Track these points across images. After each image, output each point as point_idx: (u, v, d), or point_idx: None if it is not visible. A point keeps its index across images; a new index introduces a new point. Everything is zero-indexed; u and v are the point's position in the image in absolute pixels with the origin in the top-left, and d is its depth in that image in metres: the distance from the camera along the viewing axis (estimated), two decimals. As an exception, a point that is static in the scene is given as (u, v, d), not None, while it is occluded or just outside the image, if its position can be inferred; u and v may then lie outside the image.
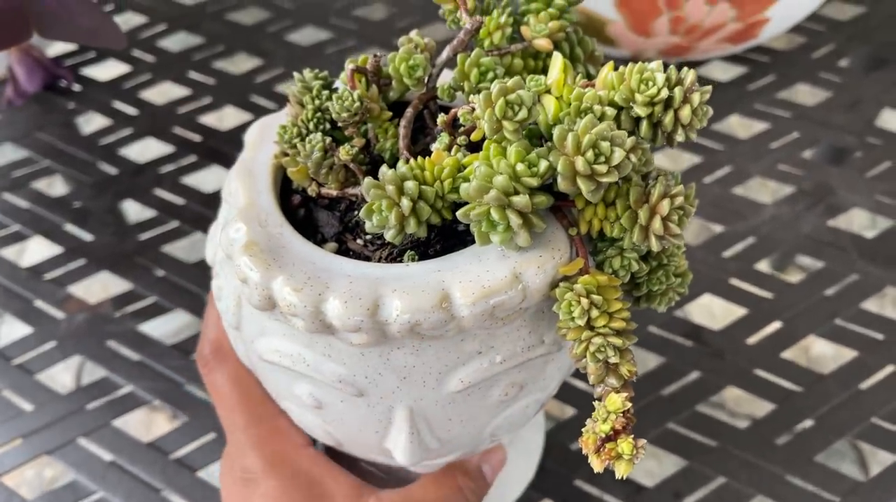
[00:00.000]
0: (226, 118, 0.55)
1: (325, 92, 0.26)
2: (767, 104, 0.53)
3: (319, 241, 0.25)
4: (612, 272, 0.24)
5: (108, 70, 0.58)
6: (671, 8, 0.46)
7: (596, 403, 0.22)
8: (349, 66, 0.26)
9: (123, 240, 0.48)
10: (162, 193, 0.50)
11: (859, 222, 0.47)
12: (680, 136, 0.23)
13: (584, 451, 0.22)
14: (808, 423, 0.39)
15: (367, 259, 0.24)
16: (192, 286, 0.45)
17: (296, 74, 0.26)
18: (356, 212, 0.26)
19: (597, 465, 0.21)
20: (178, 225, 0.48)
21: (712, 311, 0.44)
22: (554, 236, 0.23)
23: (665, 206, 0.22)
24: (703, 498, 0.37)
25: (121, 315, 0.44)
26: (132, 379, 0.42)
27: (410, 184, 0.22)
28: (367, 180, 0.22)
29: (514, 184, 0.21)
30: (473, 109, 0.24)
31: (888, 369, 0.40)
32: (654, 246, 0.22)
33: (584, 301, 0.22)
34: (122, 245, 0.47)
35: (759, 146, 0.50)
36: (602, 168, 0.21)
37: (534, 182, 0.21)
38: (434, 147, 0.25)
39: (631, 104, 0.22)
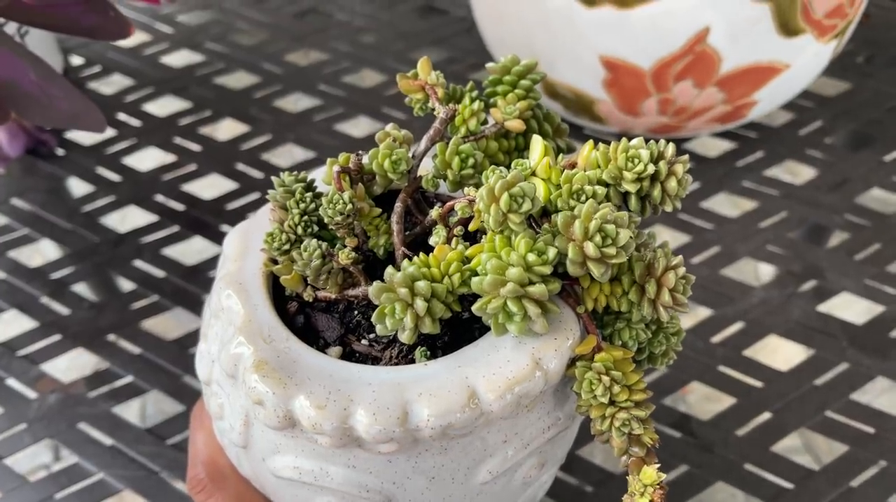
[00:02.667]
0: (210, 187, 0.54)
1: (309, 194, 0.25)
2: (755, 181, 0.52)
3: (322, 346, 0.25)
4: (622, 344, 0.24)
5: (92, 135, 0.57)
6: (659, 90, 0.46)
7: (629, 478, 0.22)
8: (334, 167, 0.25)
9: (100, 315, 0.47)
10: (142, 265, 0.49)
11: (849, 307, 0.46)
12: (668, 207, 0.23)
13: None
14: (799, 523, 0.38)
15: (376, 359, 0.24)
16: (168, 365, 0.44)
17: (274, 179, 0.26)
18: (356, 313, 0.25)
19: None
20: (157, 299, 0.47)
21: (700, 400, 0.43)
22: (564, 317, 0.23)
23: (671, 279, 0.22)
24: None
25: (94, 395, 0.43)
26: (103, 467, 0.40)
27: (422, 285, 0.22)
28: (377, 285, 0.22)
29: (528, 274, 0.21)
30: (472, 202, 0.23)
31: (880, 465, 0.39)
32: (664, 316, 0.23)
33: (605, 378, 0.22)
34: (98, 320, 0.46)
35: (747, 225, 0.50)
36: (611, 251, 0.21)
37: (546, 271, 0.22)
38: (433, 241, 0.24)
39: (619, 181, 0.23)
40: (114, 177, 0.54)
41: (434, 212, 0.25)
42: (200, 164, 0.55)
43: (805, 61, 0.46)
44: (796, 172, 0.54)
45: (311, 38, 0.65)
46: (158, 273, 0.49)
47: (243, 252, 0.26)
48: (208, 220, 0.51)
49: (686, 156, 0.23)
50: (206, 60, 0.63)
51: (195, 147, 0.56)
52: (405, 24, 0.66)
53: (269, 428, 0.23)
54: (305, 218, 0.25)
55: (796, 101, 0.57)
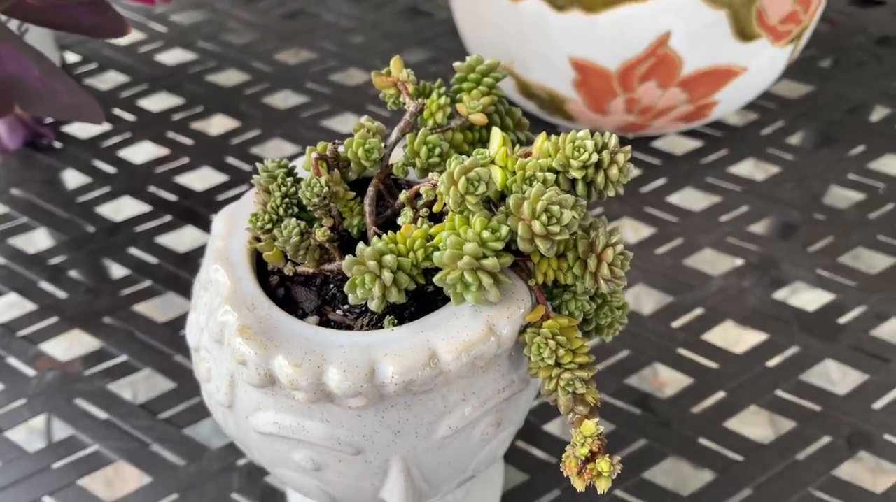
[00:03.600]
0: (201, 179, 0.57)
1: (290, 179, 0.28)
2: (719, 178, 0.55)
3: (300, 316, 0.27)
4: (569, 314, 0.27)
5: (88, 128, 0.60)
6: (625, 90, 0.48)
7: (573, 432, 0.25)
8: (313, 154, 0.28)
9: (97, 299, 0.49)
10: (136, 252, 0.52)
11: (801, 295, 0.49)
12: (611, 192, 0.26)
13: (565, 474, 0.25)
14: (746, 492, 0.40)
15: (349, 327, 0.27)
16: (160, 345, 0.47)
17: (259, 165, 0.28)
18: (332, 286, 0.28)
19: (579, 485, 0.24)
20: (150, 284, 0.50)
21: (660, 380, 0.46)
22: (516, 289, 0.26)
23: (610, 254, 0.25)
24: (646, 564, 0.38)
25: (90, 373, 0.46)
26: (99, 439, 0.43)
27: (389, 258, 0.25)
28: (348, 258, 0.25)
29: (482, 249, 0.24)
30: (435, 185, 0.26)
31: (825, 440, 0.42)
32: (604, 288, 0.26)
33: (552, 342, 0.25)
34: (94, 303, 0.49)
35: (709, 219, 0.53)
36: (556, 229, 0.24)
37: (498, 246, 0.25)
38: (400, 221, 0.27)
39: (567, 168, 0.25)
40: (109, 169, 0.57)
41: (402, 196, 0.27)
42: (192, 158, 0.58)
43: (762, 64, 0.49)
44: (757, 169, 0.57)
45: (300, 38, 0.68)
46: (151, 260, 0.51)
47: (230, 231, 0.29)
48: (200, 211, 0.54)
49: (628, 147, 0.26)
50: (199, 59, 0.66)
51: (188, 141, 0.59)
52: (390, 26, 0.69)
53: (252, 386, 0.25)
54: (286, 200, 0.28)
55: (760, 102, 0.61)
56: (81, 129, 0.60)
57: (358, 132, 0.28)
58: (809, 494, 0.40)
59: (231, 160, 0.57)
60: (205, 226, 0.53)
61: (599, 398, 0.26)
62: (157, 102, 0.62)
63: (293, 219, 0.27)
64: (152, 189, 0.56)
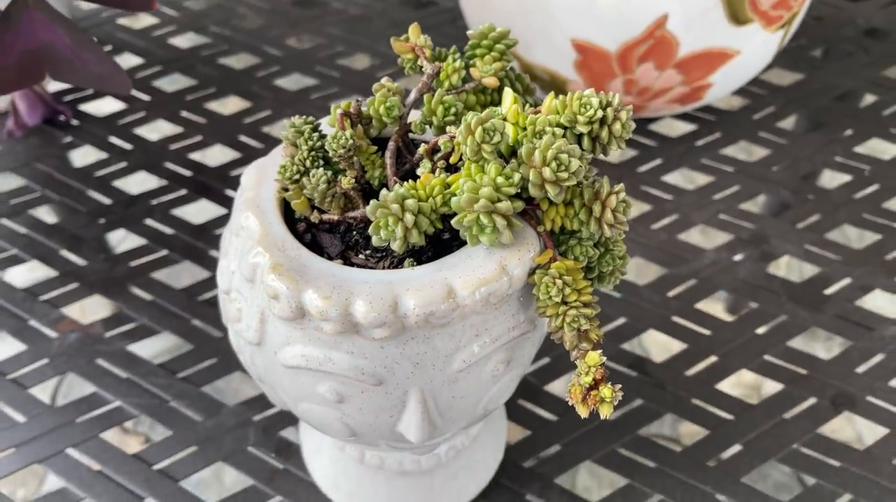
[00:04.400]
0: (215, 155, 0.59)
1: (315, 134, 0.30)
2: (712, 159, 0.58)
3: (325, 260, 0.29)
4: (574, 258, 0.29)
5: (105, 106, 0.62)
6: (624, 71, 0.51)
7: (578, 362, 0.27)
8: (338, 111, 0.30)
9: (115, 266, 0.51)
10: (153, 223, 0.54)
11: (789, 268, 0.51)
12: (614, 147, 0.28)
13: (570, 402, 0.27)
14: (736, 448, 0.43)
15: (372, 270, 0.29)
16: (178, 310, 0.49)
17: (286, 121, 0.31)
18: (354, 233, 0.30)
19: (583, 411, 0.27)
20: (167, 253, 0.52)
21: (655, 345, 0.48)
22: (526, 234, 0.28)
23: (613, 201, 0.27)
24: (641, 513, 0.41)
25: (110, 335, 0.48)
26: (120, 396, 0.45)
27: (411, 202, 0.27)
28: (373, 202, 0.27)
29: (497, 193, 0.26)
30: (452, 138, 0.29)
31: (811, 401, 0.44)
32: (607, 232, 0.28)
33: (559, 282, 0.27)
34: (113, 270, 0.51)
35: (703, 197, 0.55)
36: (564, 175, 0.26)
37: (512, 191, 0.27)
38: (419, 171, 0.29)
39: (574, 124, 0.27)
40: (125, 145, 0.59)
41: (422, 149, 0.30)
42: (206, 136, 0.60)
43: (754, 48, 0.51)
44: (749, 152, 0.59)
45: (308, 24, 0.70)
46: (168, 230, 0.53)
47: (259, 182, 0.31)
48: (214, 185, 0.56)
49: (630, 106, 0.28)
50: (211, 42, 0.68)
51: (201, 120, 0.61)
52: (396, 13, 0.72)
53: (282, 320, 0.27)
54: (312, 153, 0.30)
55: (752, 88, 0.63)
56: (98, 108, 0.62)
57: (379, 91, 0.31)
58: (795, 450, 0.43)
59: (243, 138, 0.60)
60: (219, 199, 0.55)
61: (601, 335, 0.28)
62: (171, 83, 0.64)
63: (321, 169, 0.29)
64: (167, 164, 0.58)
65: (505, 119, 0.29)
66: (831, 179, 0.57)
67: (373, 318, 0.26)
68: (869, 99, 0.63)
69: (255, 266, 0.28)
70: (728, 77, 0.53)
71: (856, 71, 0.65)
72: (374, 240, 0.28)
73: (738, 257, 0.51)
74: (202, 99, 0.63)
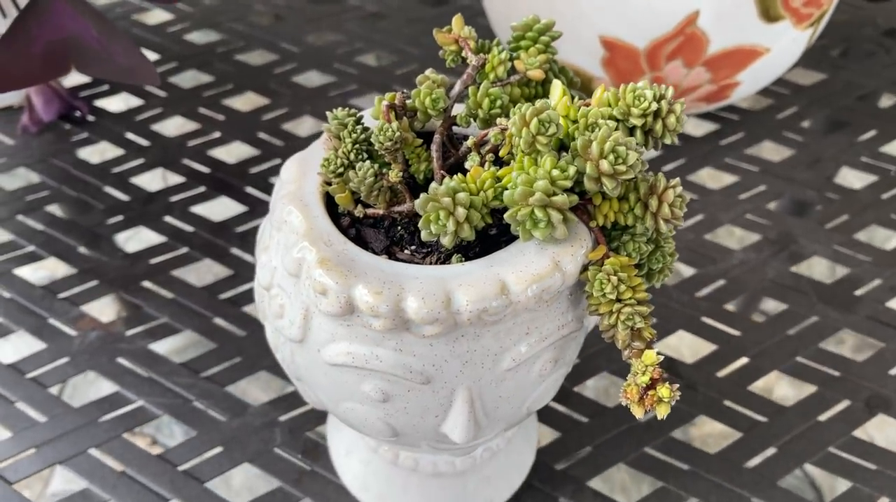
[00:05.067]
0: (233, 152, 0.58)
1: (359, 127, 0.30)
2: (737, 159, 0.57)
3: (373, 255, 0.28)
4: (627, 254, 0.28)
5: (121, 102, 0.61)
6: (652, 69, 0.50)
7: (632, 361, 0.27)
8: (383, 103, 0.30)
9: (134, 264, 0.50)
10: (172, 221, 0.53)
11: (819, 269, 0.51)
12: (667, 139, 0.28)
13: (625, 403, 0.26)
14: (771, 450, 0.42)
15: (419, 265, 0.28)
16: (199, 308, 0.48)
17: (329, 113, 0.30)
18: (399, 228, 0.29)
19: (638, 412, 0.26)
20: (187, 251, 0.51)
21: (685, 346, 0.47)
22: (579, 229, 0.28)
23: (670, 195, 0.27)
24: (676, 516, 0.40)
25: (131, 334, 0.47)
26: (142, 395, 0.44)
27: (463, 196, 0.26)
28: (423, 196, 0.26)
29: (553, 186, 0.26)
30: (504, 130, 0.28)
31: (844, 403, 0.44)
32: (663, 228, 0.27)
33: (613, 278, 0.27)
34: (133, 268, 0.50)
35: (728, 197, 0.55)
36: (622, 168, 0.25)
37: (567, 184, 0.26)
38: (468, 164, 0.29)
39: (627, 117, 0.27)
40: (143, 141, 0.58)
41: (469, 141, 0.29)
42: (224, 132, 0.59)
43: (784, 46, 0.51)
44: (774, 151, 0.59)
45: (326, 21, 0.69)
46: (188, 228, 0.52)
47: (300, 176, 0.30)
48: (233, 182, 0.55)
49: (683, 100, 0.28)
50: (227, 39, 0.67)
51: (219, 116, 0.60)
52: (414, 11, 0.71)
53: (330, 315, 0.27)
54: (357, 146, 0.29)
55: (775, 88, 0.63)
56: (114, 104, 0.61)
57: (424, 83, 0.30)
58: (831, 453, 0.42)
59: (262, 135, 0.59)
60: (238, 196, 0.54)
61: (655, 333, 0.28)
62: (188, 79, 0.63)
63: (367, 162, 0.28)
64: (185, 161, 0.57)
65: (554, 111, 0.28)
66: (856, 179, 0.57)
67: (425, 314, 0.25)
68: (891, 99, 0.63)
69: (300, 261, 0.27)
70: (756, 75, 0.52)
71: (877, 71, 0.65)
72: (424, 235, 0.27)
73: (765, 257, 0.51)
74: (219, 95, 0.62)
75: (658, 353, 0.26)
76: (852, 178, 0.57)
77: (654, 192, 0.27)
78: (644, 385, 0.26)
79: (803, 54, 0.63)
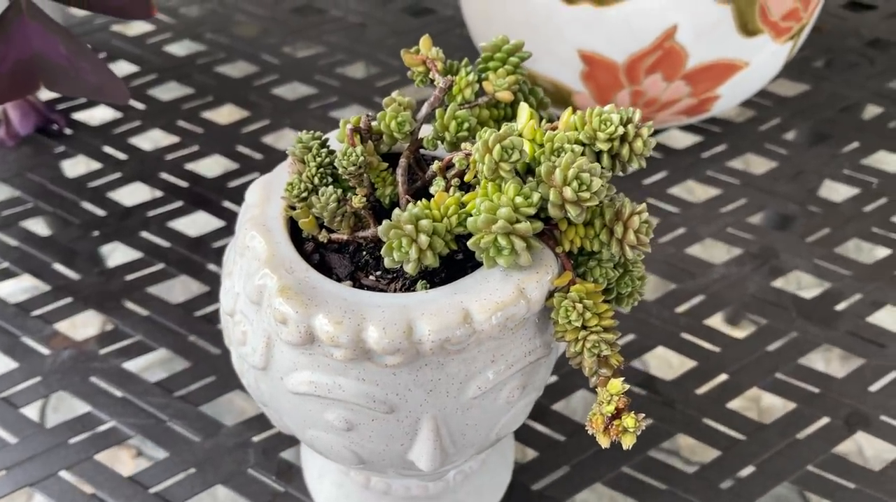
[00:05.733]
0: (212, 166, 0.57)
1: (324, 150, 0.29)
2: (719, 171, 0.57)
3: (335, 281, 0.28)
4: (594, 280, 0.28)
5: (99, 115, 0.61)
6: (631, 83, 0.50)
7: (598, 389, 0.26)
8: (347, 126, 0.29)
9: (110, 281, 0.50)
10: (148, 236, 0.52)
11: (799, 283, 0.51)
12: (634, 164, 0.27)
13: (591, 432, 0.26)
14: (749, 469, 0.42)
15: (382, 292, 0.28)
16: (174, 326, 0.47)
17: (294, 136, 0.30)
18: (364, 253, 0.29)
19: (604, 441, 0.25)
20: (163, 267, 0.51)
21: (664, 363, 0.47)
22: (545, 255, 0.27)
23: (636, 221, 0.26)
24: (653, 537, 0.40)
25: (105, 352, 0.46)
26: (115, 415, 0.43)
27: (425, 223, 0.26)
28: (385, 223, 0.26)
29: (516, 214, 0.25)
30: (468, 155, 0.27)
31: (824, 420, 0.44)
32: (629, 254, 0.27)
33: (579, 306, 0.26)
34: (108, 285, 0.49)
35: (710, 210, 0.54)
36: (586, 195, 0.25)
37: (531, 211, 0.26)
38: (433, 189, 0.28)
39: (594, 141, 0.27)
40: (120, 155, 0.58)
41: (435, 166, 0.29)
42: (202, 146, 0.58)
43: (763, 60, 0.51)
44: (756, 164, 0.58)
45: (308, 32, 0.69)
46: (164, 243, 0.52)
47: (264, 200, 0.30)
48: (211, 197, 0.55)
49: (651, 122, 0.28)
50: (208, 50, 0.67)
51: (198, 129, 0.60)
52: (396, 22, 0.71)
53: (291, 344, 0.26)
54: (321, 170, 0.29)
55: (757, 100, 0.62)
56: (92, 117, 0.61)
57: (390, 106, 0.29)
58: (809, 472, 0.42)
59: (241, 148, 0.58)
60: (216, 211, 0.54)
61: (622, 360, 0.27)
62: (167, 92, 0.63)
63: (330, 187, 0.28)
64: (163, 175, 0.56)
65: (521, 135, 0.28)
66: (838, 192, 0.56)
67: (386, 344, 0.25)
68: (874, 110, 0.63)
69: (261, 288, 0.27)
70: (736, 89, 0.52)
71: (860, 82, 0.65)
72: (387, 262, 0.26)
73: (746, 272, 0.50)
74: (199, 108, 0.61)
75: (625, 382, 0.26)
76: (834, 191, 0.57)
77: (619, 218, 0.27)
78: (609, 414, 0.26)
79: (785, 66, 0.63)
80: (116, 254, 0.52)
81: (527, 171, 0.28)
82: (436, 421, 0.28)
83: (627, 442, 0.25)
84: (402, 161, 0.29)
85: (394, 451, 0.29)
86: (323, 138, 0.30)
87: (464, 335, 0.25)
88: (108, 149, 0.58)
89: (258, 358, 0.28)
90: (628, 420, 0.25)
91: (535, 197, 0.26)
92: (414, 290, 0.28)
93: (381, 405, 0.27)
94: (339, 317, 0.25)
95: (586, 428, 0.26)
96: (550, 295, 0.27)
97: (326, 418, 0.28)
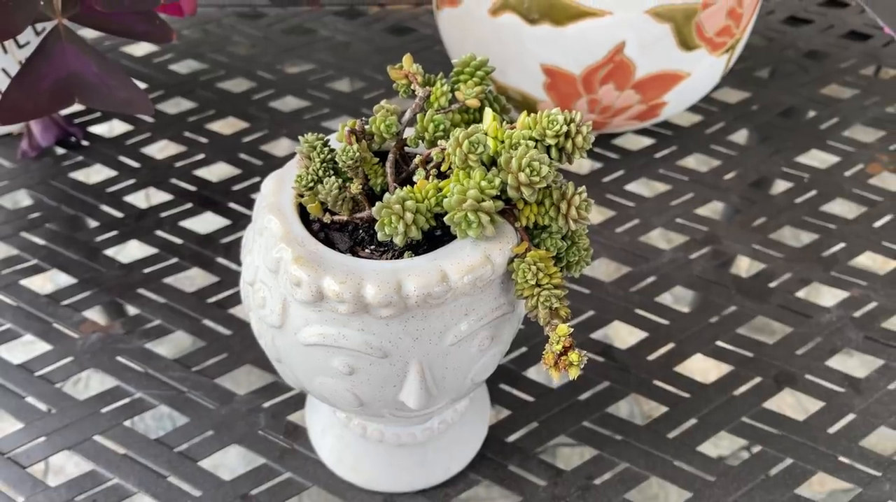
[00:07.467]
0: (217, 172, 0.64)
1: (326, 148, 0.36)
2: (669, 170, 0.64)
3: (339, 253, 0.35)
4: (546, 248, 0.34)
5: (113, 128, 0.67)
6: (588, 92, 0.57)
7: (550, 334, 0.32)
8: (346, 128, 0.36)
9: (130, 273, 0.56)
10: (162, 234, 0.59)
11: (738, 265, 0.58)
12: (577, 156, 0.34)
13: (545, 368, 0.32)
14: (692, 421, 0.48)
15: (378, 260, 0.34)
16: (189, 311, 0.54)
17: (301, 137, 0.36)
18: (360, 231, 0.35)
19: (555, 375, 0.32)
20: (177, 261, 0.57)
21: (620, 334, 0.54)
22: (506, 229, 0.34)
23: (577, 200, 0.33)
24: (609, 479, 0.46)
25: (129, 335, 0.52)
26: (140, 388, 0.49)
27: (410, 203, 0.32)
28: (378, 204, 0.32)
29: (482, 194, 0.32)
30: (443, 150, 0.34)
31: (756, 380, 0.50)
32: (573, 226, 0.33)
33: (534, 267, 0.33)
34: (128, 277, 0.56)
35: (661, 203, 0.61)
36: (536, 179, 0.32)
37: (493, 192, 0.32)
38: (416, 178, 0.35)
39: (543, 137, 0.33)
40: (134, 164, 0.64)
41: (417, 160, 0.35)
42: (208, 154, 0.65)
43: (703, 70, 0.58)
44: (703, 163, 0.66)
45: (299, 51, 0.76)
46: (177, 240, 0.58)
47: (278, 190, 0.36)
48: (217, 199, 0.61)
49: (590, 122, 0.34)
50: (209, 68, 0.73)
51: (203, 139, 0.66)
52: (379, 40, 0.77)
53: (303, 303, 0.33)
54: (324, 164, 0.35)
55: (705, 105, 0.70)
56: (106, 129, 0.67)
57: (380, 112, 0.36)
58: (743, 422, 0.48)
59: (243, 156, 0.65)
60: (222, 211, 0.60)
61: (570, 312, 0.34)
62: (173, 106, 0.69)
63: (332, 178, 0.34)
64: (173, 180, 0.63)
65: (486, 133, 0.35)
66: (776, 186, 0.64)
67: (381, 299, 0.31)
68: (809, 114, 0.70)
69: (278, 259, 0.33)
70: (681, 96, 0.59)
71: (797, 89, 0.72)
72: (380, 236, 0.33)
73: (692, 256, 0.57)
74: (203, 120, 0.68)
75: (572, 334, 0.33)
76: (771, 185, 0.64)
77: (564, 198, 0.33)
78: (558, 352, 0.32)
79: (730, 75, 0.71)
80: (135, 250, 0.58)
81: (492, 163, 0.35)
82: (421, 365, 0.34)
83: (573, 374, 0.32)
84: (390, 156, 0.36)
85: (387, 393, 0.35)
86: (325, 139, 0.36)
87: (442, 291, 0.32)
88: (122, 159, 0.64)
89: (276, 317, 0.35)
90: (573, 355, 0.32)
91: (497, 181, 0.33)
92: (401, 260, 0.34)
93: (377, 351, 0.33)
94: (343, 279, 0.32)
95: (542, 366, 0.33)
96: (511, 261, 0.34)
97: (332, 364, 0.34)
